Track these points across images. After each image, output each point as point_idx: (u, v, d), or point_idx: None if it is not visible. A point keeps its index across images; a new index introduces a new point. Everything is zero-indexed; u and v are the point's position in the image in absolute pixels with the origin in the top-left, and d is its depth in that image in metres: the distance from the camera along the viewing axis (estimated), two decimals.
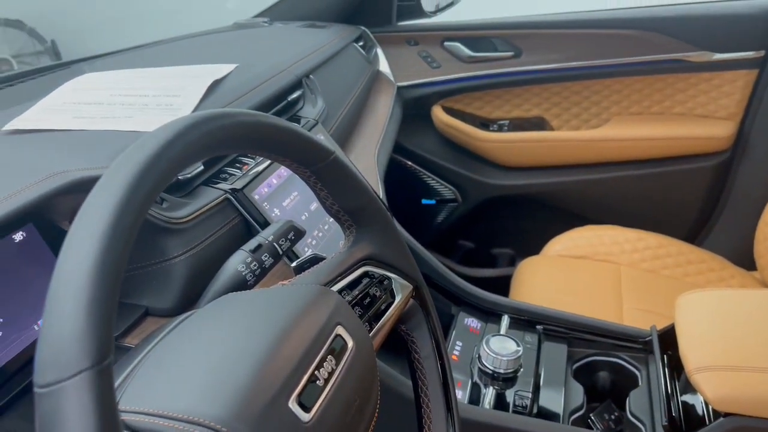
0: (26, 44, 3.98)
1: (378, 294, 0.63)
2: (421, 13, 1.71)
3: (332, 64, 1.32)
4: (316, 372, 0.48)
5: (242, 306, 0.53)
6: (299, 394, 0.46)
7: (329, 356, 0.50)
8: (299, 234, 0.69)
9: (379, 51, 1.66)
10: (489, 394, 0.94)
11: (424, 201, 1.81)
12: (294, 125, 0.53)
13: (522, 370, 0.97)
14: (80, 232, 0.36)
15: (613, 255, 1.46)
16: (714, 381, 0.79)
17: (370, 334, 0.60)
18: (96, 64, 1.22)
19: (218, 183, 0.81)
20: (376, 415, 0.55)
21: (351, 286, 0.61)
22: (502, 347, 0.96)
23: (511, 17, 1.65)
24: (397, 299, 0.64)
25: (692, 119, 1.59)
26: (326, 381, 0.48)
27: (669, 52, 1.53)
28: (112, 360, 0.34)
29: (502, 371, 0.95)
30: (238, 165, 0.86)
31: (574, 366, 1.04)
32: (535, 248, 1.52)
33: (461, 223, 1.81)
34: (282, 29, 1.53)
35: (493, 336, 0.98)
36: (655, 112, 1.63)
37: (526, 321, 1.09)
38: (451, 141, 1.75)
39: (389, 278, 0.65)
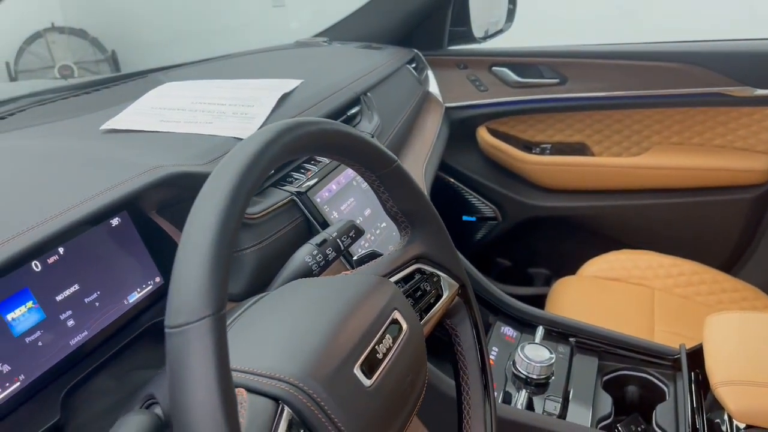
0: (87, 52, 4.21)
1: (428, 289, 0.70)
2: (471, 38, 1.80)
3: (387, 84, 1.40)
4: (376, 347, 0.56)
5: (313, 288, 0.61)
6: (362, 363, 0.53)
7: (387, 335, 0.58)
8: (359, 233, 0.77)
9: (430, 73, 1.75)
10: (521, 398, 1.00)
11: (465, 218, 1.88)
12: (365, 135, 0.61)
13: (553, 378, 1.03)
14: (203, 209, 0.44)
15: (647, 279, 1.50)
16: (737, 394, 0.84)
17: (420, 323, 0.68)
18: (171, 74, 1.33)
19: (285, 185, 0.89)
20: (423, 392, 0.62)
21: (405, 280, 0.68)
22: (536, 354, 1.02)
23: (557, 46, 1.72)
24: (445, 295, 0.71)
25: (732, 152, 1.63)
26: (384, 355, 0.56)
27: (711, 85, 1.57)
28: (226, 311, 0.42)
29: (534, 376, 1.01)
30: (302, 171, 0.94)
31: (604, 378, 1.09)
32: (571, 269, 1.57)
33: (500, 241, 1.87)
34: (340, 49, 1.63)
35: (528, 344, 1.04)
36: (695, 143, 1.67)
37: (559, 333, 1.14)
38: (493, 161, 1.82)
39: (438, 276, 0.72)
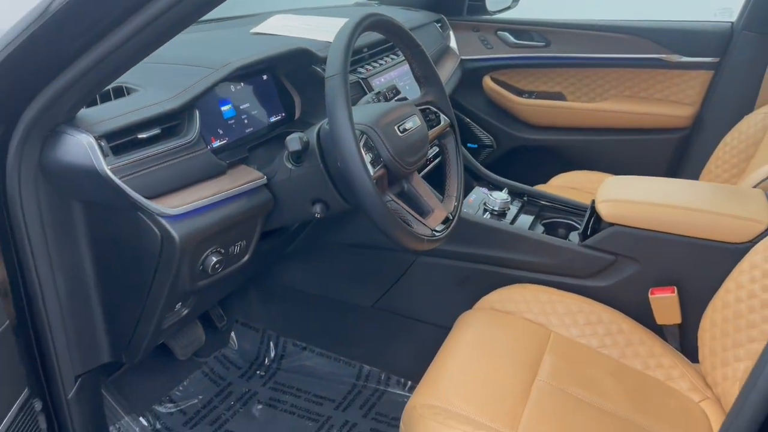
0: None
1: (432, 118, 1.33)
2: (484, 11, 2.44)
3: (418, 32, 2.03)
4: (405, 124, 1.19)
5: (375, 103, 1.25)
6: (398, 125, 1.16)
7: (411, 122, 1.20)
8: (398, 92, 1.40)
9: (451, 33, 2.37)
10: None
11: (469, 145, 2.51)
12: (407, 28, 1.25)
13: (508, 212, 1.65)
14: (342, 34, 1.07)
15: (595, 189, 2.10)
16: (609, 206, 1.44)
17: None
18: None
19: (355, 73, 1.53)
20: (425, 156, 1.24)
21: (421, 110, 1.31)
22: (498, 196, 1.65)
23: (545, 18, 2.34)
24: (441, 124, 1.34)
25: (666, 103, 2.24)
26: (409, 129, 1.19)
27: (652, 52, 2.18)
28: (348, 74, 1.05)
29: (496, 208, 1.63)
30: (366, 66, 1.58)
31: (542, 222, 1.70)
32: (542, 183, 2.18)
33: (493, 164, 2.50)
34: (387, 9, 2.26)
35: (495, 192, 1.67)
36: (642, 97, 2.28)
37: (516, 194, 1.77)
38: (494, 102, 2.45)
39: (439, 114, 1.34)
